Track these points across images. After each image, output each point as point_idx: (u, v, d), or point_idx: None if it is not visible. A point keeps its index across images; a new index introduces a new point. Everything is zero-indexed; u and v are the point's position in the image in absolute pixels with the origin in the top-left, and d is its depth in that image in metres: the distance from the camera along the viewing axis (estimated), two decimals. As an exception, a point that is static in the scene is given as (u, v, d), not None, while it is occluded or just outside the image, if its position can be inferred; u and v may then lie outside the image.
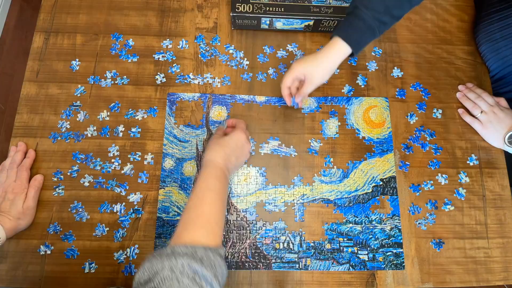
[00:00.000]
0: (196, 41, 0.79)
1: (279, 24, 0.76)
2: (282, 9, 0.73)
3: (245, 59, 0.78)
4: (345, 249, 0.68)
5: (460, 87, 0.77)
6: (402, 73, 0.79)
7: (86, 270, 0.64)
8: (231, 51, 0.78)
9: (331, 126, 0.74)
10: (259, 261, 0.67)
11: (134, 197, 0.68)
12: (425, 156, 0.74)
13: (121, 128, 0.72)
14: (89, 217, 0.67)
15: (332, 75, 0.77)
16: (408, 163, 0.73)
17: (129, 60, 0.76)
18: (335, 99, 0.76)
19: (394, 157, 0.73)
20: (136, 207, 0.68)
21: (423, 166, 0.73)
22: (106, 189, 0.68)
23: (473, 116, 0.75)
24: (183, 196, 0.69)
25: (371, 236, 0.69)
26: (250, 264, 0.66)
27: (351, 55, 0.64)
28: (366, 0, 0.61)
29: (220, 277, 0.48)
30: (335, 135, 0.74)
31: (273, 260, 0.67)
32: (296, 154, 0.72)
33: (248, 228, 0.68)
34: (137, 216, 0.68)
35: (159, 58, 0.76)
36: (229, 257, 0.66)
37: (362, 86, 0.77)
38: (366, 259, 0.67)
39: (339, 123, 0.74)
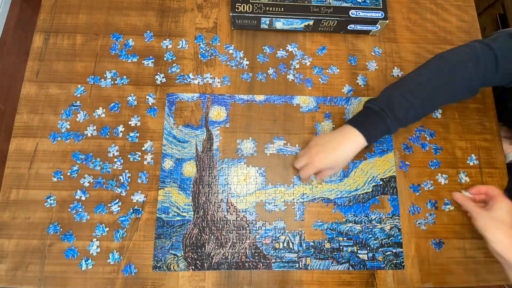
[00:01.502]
0: (196, 41, 0.79)
1: (279, 24, 0.77)
2: (282, 9, 0.73)
3: (245, 59, 0.78)
4: (344, 249, 0.68)
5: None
6: (402, 73, 0.79)
7: (84, 268, 0.65)
8: (231, 51, 0.78)
9: (326, 129, 0.74)
10: (259, 261, 0.67)
11: (134, 197, 0.68)
12: (425, 156, 0.74)
13: (121, 128, 0.72)
14: (89, 217, 0.67)
15: (332, 75, 0.78)
16: (408, 163, 0.73)
17: (129, 60, 0.76)
18: (334, 99, 0.76)
19: (394, 157, 0.73)
20: (136, 207, 0.68)
21: (423, 166, 0.73)
22: (106, 189, 0.68)
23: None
24: (182, 196, 0.69)
25: (371, 235, 0.69)
26: (250, 264, 0.66)
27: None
28: (394, 109, 0.61)
29: None
30: None
31: (273, 260, 0.67)
32: None
33: (248, 228, 0.68)
34: (137, 216, 0.68)
35: (159, 58, 0.77)
36: (229, 257, 0.66)
37: (362, 86, 0.77)
38: (366, 259, 0.67)
39: (334, 126, 0.74)
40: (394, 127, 0.62)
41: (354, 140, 0.62)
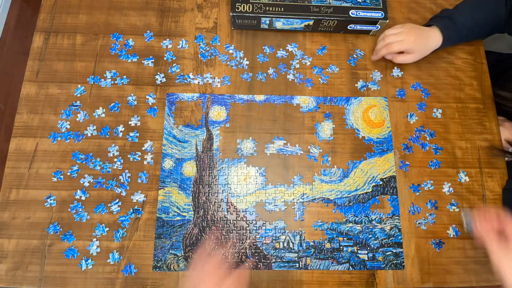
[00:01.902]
0: (196, 41, 0.79)
1: (279, 24, 0.77)
2: (282, 9, 0.73)
3: (245, 59, 0.78)
4: (345, 249, 0.68)
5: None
6: (402, 73, 0.79)
7: (84, 268, 0.65)
8: (231, 51, 0.78)
9: (326, 129, 0.74)
10: (259, 261, 0.67)
11: (134, 197, 0.68)
12: (425, 156, 0.74)
13: (121, 128, 0.72)
14: (89, 217, 0.67)
15: (332, 75, 0.78)
16: (408, 163, 0.73)
17: (129, 60, 0.76)
18: (334, 99, 0.76)
19: (394, 157, 0.73)
20: (136, 207, 0.68)
21: (423, 166, 0.73)
22: (106, 189, 0.68)
23: None
24: (182, 196, 0.69)
25: (371, 235, 0.69)
26: (250, 264, 0.66)
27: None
28: (460, 17, 0.73)
29: None
30: (329, 137, 0.74)
31: (273, 260, 0.67)
32: (302, 152, 0.72)
33: (248, 228, 0.68)
34: (137, 216, 0.68)
35: (159, 58, 0.77)
36: (229, 257, 0.66)
37: (362, 86, 0.77)
38: (366, 259, 0.67)
39: (334, 125, 0.74)
40: (455, 36, 0.74)
41: (436, 36, 0.73)
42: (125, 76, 0.75)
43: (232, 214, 0.69)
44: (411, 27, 0.74)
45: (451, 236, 0.69)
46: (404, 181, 0.72)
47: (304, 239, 0.68)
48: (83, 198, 0.68)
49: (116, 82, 0.75)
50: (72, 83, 0.74)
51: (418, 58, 0.75)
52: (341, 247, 0.68)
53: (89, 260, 0.65)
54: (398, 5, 0.83)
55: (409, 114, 0.76)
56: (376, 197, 0.71)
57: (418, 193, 0.71)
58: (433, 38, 0.74)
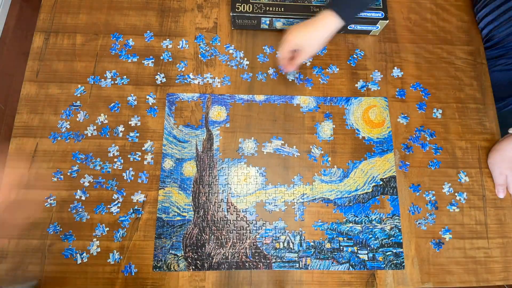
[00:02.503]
0: (196, 41, 0.79)
1: (279, 24, 0.77)
2: (282, 9, 0.73)
3: (245, 59, 0.78)
4: (345, 249, 0.68)
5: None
6: (402, 73, 0.79)
7: (79, 261, 0.65)
8: (231, 51, 0.78)
9: (326, 129, 0.74)
10: (259, 261, 0.67)
11: (134, 197, 0.68)
12: (425, 156, 0.74)
13: (121, 128, 0.72)
14: (89, 217, 0.67)
15: (332, 75, 0.78)
16: (408, 163, 0.73)
17: (129, 60, 0.76)
18: (334, 99, 0.76)
19: (394, 157, 0.73)
20: (136, 207, 0.68)
21: (423, 166, 0.73)
22: (106, 189, 0.68)
23: None
24: (183, 196, 0.69)
25: (371, 235, 0.69)
26: (251, 264, 0.66)
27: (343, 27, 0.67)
28: None
29: None
30: (330, 137, 0.74)
31: (273, 260, 0.67)
32: (298, 154, 0.72)
33: (248, 228, 0.68)
34: (137, 216, 0.68)
35: (159, 58, 0.77)
36: (229, 257, 0.66)
37: (362, 86, 0.77)
38: (366, 259, 0.67)
39: (334, 126, 0.74)
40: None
41: (328, 20, 0.65)
42: (125, 76, 0.75)
43: (232, 214, 0.69)
44: (290, 29, 0.67)
45: (450, 238, 0.69)
46: (404, 181, 0.72)
47: (304, 239, 0.68)
48: (83, 198, 0.68)
49: (116, 82, 0.75)
50: (72, 83, 0.74)
51: (313, 49, 0.68)
52: (341, 247, 0.68)
53: (84, 254, 0.65)
54: (398, 5, 0.83)
55: (406, 114, 0.76)
56: (376, 197, 0.71)
57: (418, 193, 0.71)
58: (324, 21, 0.65)
